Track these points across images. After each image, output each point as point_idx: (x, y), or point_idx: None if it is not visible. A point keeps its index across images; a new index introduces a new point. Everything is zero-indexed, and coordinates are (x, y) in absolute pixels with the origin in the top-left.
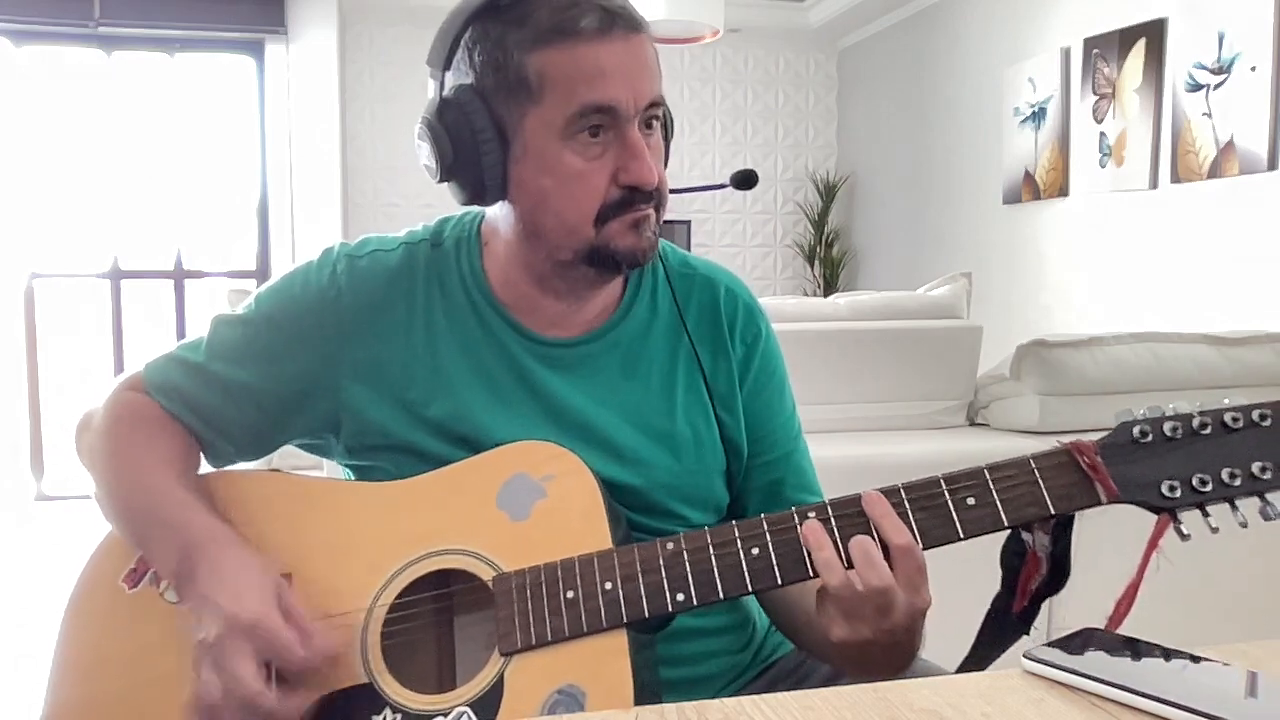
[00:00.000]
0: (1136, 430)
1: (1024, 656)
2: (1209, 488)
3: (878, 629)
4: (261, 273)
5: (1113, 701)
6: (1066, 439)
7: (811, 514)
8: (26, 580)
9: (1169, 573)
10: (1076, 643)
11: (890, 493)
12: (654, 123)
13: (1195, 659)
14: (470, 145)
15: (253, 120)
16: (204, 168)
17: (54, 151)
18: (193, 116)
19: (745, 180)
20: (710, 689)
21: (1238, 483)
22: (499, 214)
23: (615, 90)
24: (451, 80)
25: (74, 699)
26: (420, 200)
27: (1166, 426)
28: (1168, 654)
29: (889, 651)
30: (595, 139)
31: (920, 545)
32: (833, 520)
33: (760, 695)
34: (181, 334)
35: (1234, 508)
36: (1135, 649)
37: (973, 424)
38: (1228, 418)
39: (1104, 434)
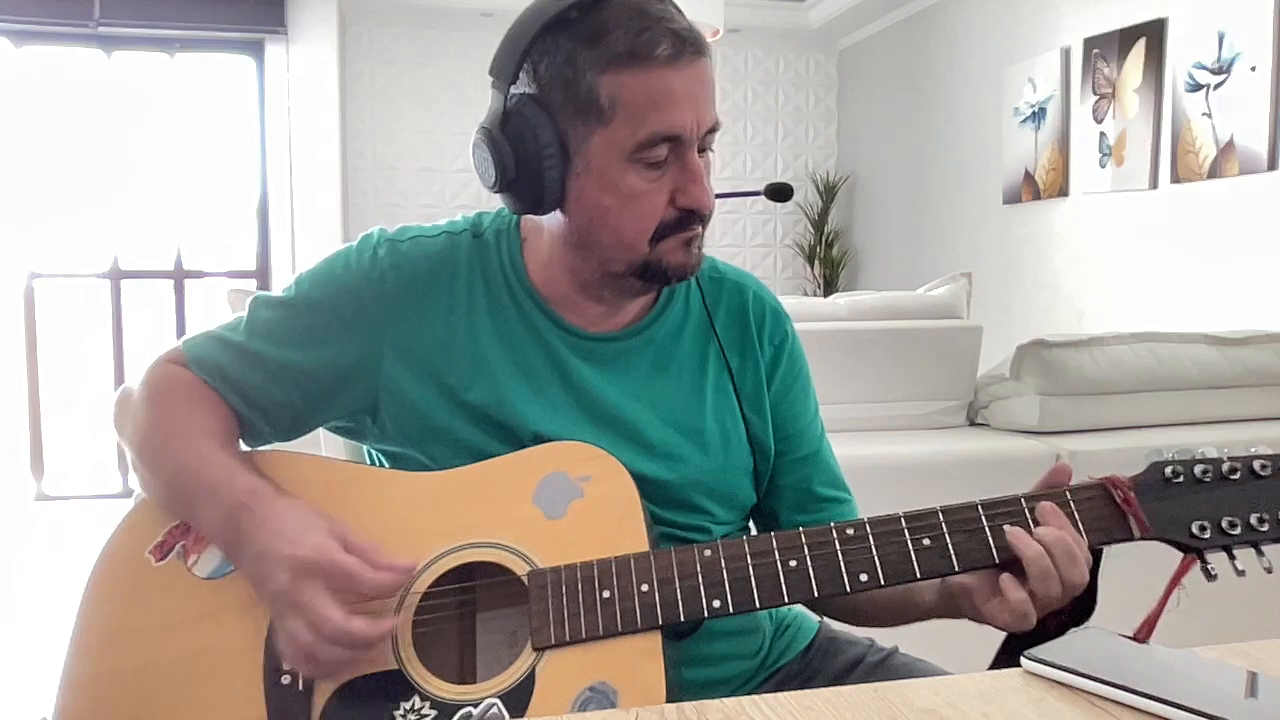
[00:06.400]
0: (1169, 470)
1: (1024, 656)
2: (1237, 530)
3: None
4: (261, 273)
5: (1113, 701)
6: (1066, 439)
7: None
8: (26, 580)
9: (1169, 573)
10: (1076, 643)
11: (924, 514)
12: (710, 144)
13: (1195, 659)
14: (534, 158)
15: (253, 120)
16: (204, 168)
17: (54, 151)
18: (193, 116)
19: (779, 192)
20: (720, 693)
21: (1265, 528)
22: (544, 219)
23: (683, 118)
24: (514, 90)
25: (93, 671)
26: (420, 200)
27: (1197, 469)
28: (1167, 654)
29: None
30: (658, 162)
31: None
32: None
33: (760, 695)
34: (182, 334)
35: (1260, 552)
36: (1135, 649)
37: (973, 424)
38: (1256, 465)
39: (1136, 473)
